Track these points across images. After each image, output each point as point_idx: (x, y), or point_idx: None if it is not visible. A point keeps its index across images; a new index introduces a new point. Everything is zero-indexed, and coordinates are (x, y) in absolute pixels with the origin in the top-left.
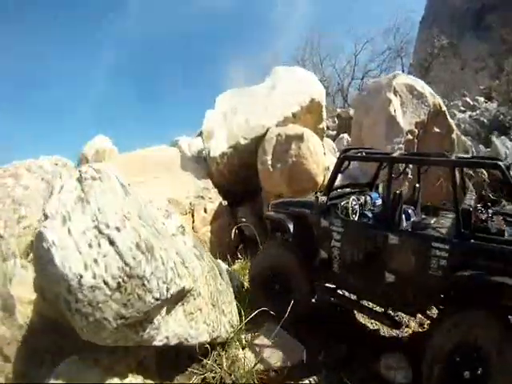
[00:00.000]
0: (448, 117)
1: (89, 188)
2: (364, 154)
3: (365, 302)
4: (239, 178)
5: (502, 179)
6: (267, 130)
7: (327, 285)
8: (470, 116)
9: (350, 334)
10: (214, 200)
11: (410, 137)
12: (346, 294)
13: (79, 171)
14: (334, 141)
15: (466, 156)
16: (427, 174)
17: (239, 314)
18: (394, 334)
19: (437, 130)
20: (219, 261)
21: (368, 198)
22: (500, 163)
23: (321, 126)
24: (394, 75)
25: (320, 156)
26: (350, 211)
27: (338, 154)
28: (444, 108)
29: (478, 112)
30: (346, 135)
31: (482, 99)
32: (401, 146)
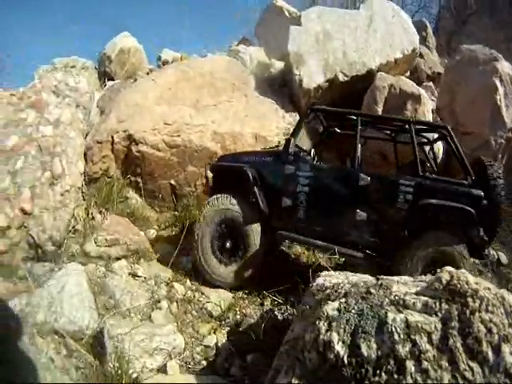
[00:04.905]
0: None
1: None
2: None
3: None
4: None
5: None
6: (368, 72)
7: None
8: None
9: None
10: None
11: (510, 134)
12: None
13: None
14: None
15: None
16: None
17: None
18: None
19: None
20: None
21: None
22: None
23: (407, 75)
24: (495, 57)
25: None
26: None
27: None
28: None
29: None
30: None
31: None
32: (503, 141)
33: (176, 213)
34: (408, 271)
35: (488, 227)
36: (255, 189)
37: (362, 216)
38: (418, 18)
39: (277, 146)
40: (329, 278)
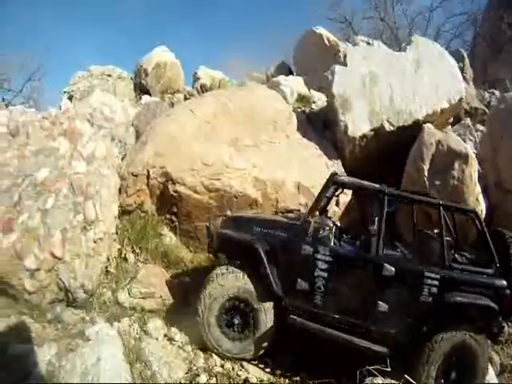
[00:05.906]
0: None
1: None
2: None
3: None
4: (372, 168)
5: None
6: (414, 122)
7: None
8: None
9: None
10: (347, 191)
11: None
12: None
13: None
14: None
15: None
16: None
17: None
18: None
19: None
20: None
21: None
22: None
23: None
24: None
25: (476, 186)
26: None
27: None
28: None
29: None
30: None
31: None
32: None
33: (211, 255)
34: (428, 365)
35: (507, 312)
36: (267, 267)
37: (384, 307)
38: (453, 45)
39: (291, 211)
40: None
